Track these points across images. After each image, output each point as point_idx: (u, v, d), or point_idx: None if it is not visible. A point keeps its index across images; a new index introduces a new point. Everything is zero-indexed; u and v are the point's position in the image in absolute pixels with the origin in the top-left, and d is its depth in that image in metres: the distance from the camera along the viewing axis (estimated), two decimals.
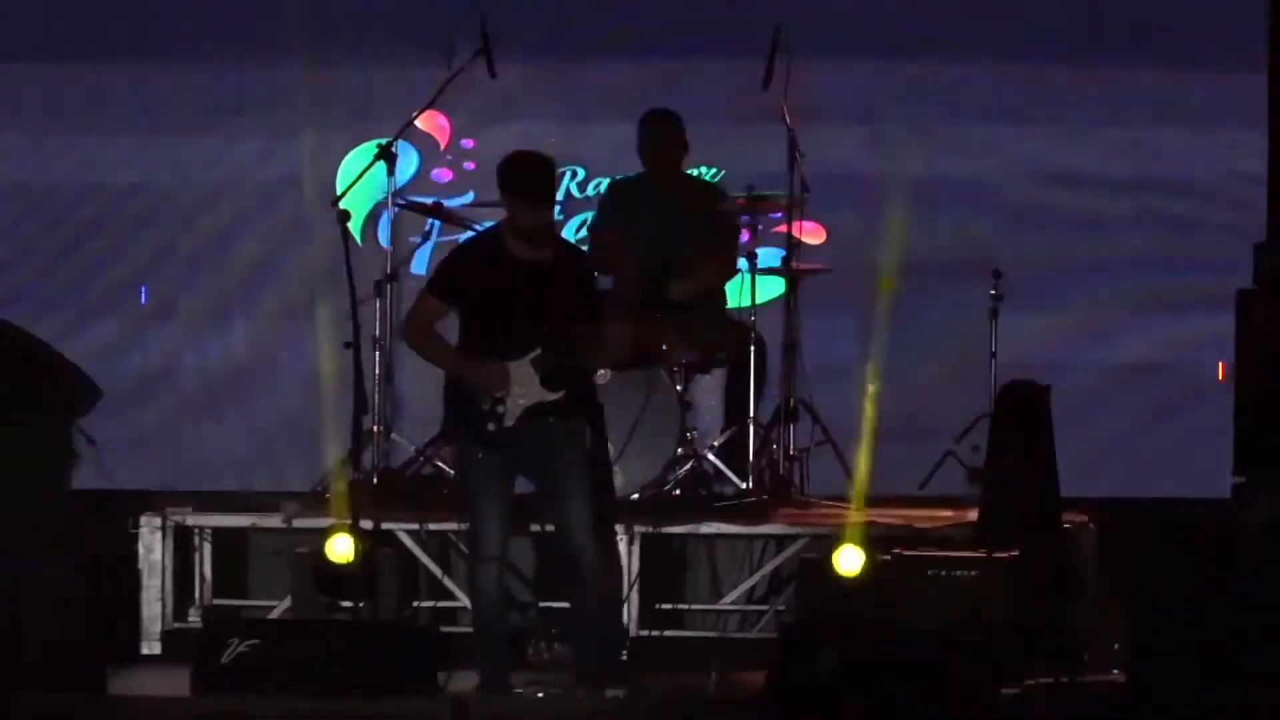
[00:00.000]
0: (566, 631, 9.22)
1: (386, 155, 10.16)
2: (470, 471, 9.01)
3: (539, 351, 8.58)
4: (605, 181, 10.98)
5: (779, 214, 10.54)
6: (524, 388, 8.63)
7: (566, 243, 9.61)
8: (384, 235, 10.83)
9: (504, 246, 8.79)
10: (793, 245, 10.55)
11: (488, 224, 9.88)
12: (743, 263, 10.66)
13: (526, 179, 8.70)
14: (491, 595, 8.91)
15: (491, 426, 8.61)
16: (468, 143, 11.44)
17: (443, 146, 11.45)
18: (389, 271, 10.41)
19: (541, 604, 9.66)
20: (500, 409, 8.65)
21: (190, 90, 11.78)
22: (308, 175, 11.62)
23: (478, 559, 8.89)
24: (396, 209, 10.64)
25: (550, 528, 9.02)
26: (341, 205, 9.76)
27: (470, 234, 10.37)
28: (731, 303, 10.66)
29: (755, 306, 10.56)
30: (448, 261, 9.21)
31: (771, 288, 10.84)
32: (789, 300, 10.56)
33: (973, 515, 9.60)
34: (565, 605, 9.15)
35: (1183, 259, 11.70)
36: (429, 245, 11.34)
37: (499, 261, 8.79)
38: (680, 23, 11.57)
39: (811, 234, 11.26)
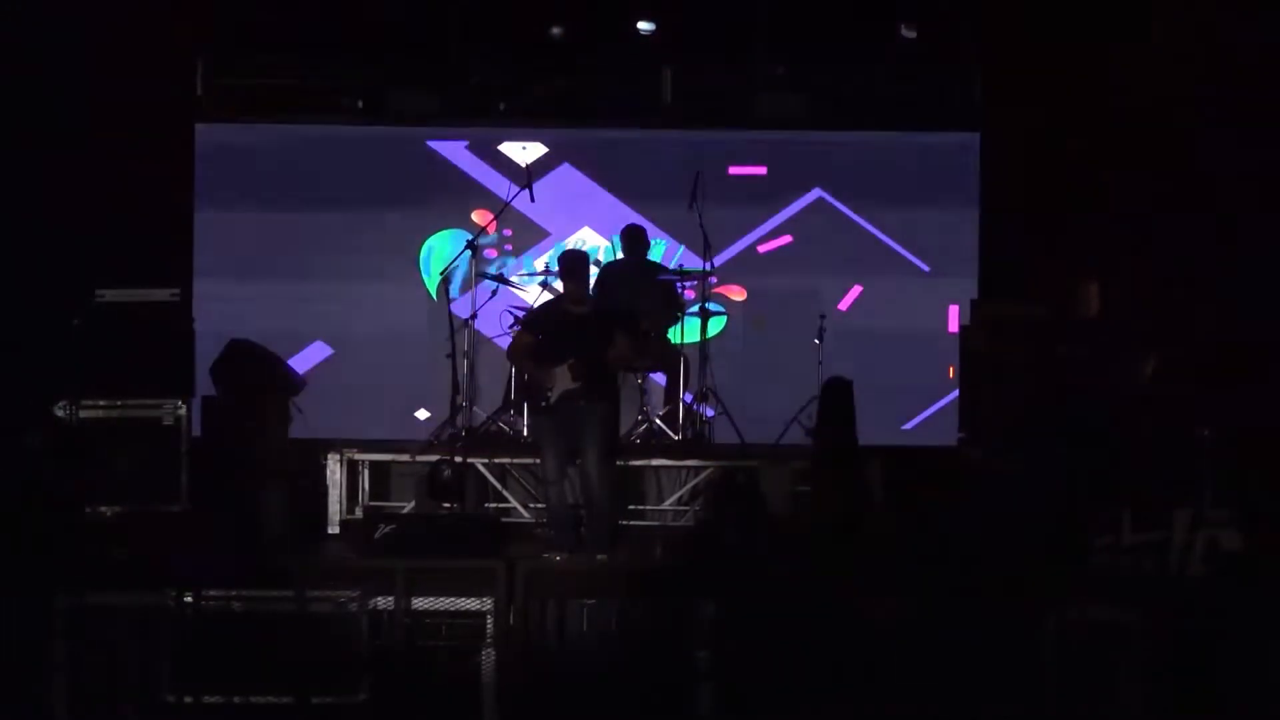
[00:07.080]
0: (586, 521, 10.54)
1: (473, 246, 11.92)
2: (537, 431, 10.80)
3: (571, 361, 10.35)
4: (601, 262, 12.51)
5: (714, 280, 12.38)
6: (561, 383, 10.35)
7: (596, 302, 10.83)
8: (455, 290, 12.35)
9: (561, 304, 10.68)
10: (706, 300, 12.46)
11: (525, 281, 12.46)
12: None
13: (571, 266, 10.58)
14: (554, 502, 10.45)
15: (543, 403, 10.40)
16: (507, 232, 13.41)
17: (490, 234, 13.27)
18: (470, 314, 12.19)
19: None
20: (549, 393, 10.40)
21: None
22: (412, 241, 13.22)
23: (543, 482, 10.53)
24: (479, 279, 12.37)
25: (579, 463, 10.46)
26: (442, 275, 12.16)
27: (514, 290, 12.51)
28: (672, 335, 12.51)
29: (684, 341, 12.43)
30: (532, 313, 11.00)
31: (694, 325, 12.59)
32: (703, 332, 12.47)
33: (809, 454, 11.10)
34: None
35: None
36: (488, 299, 12.54)
37: (559, 313, 10.60)
38: (645, 176, 13.36)
39: (736, 294, 13.31)
